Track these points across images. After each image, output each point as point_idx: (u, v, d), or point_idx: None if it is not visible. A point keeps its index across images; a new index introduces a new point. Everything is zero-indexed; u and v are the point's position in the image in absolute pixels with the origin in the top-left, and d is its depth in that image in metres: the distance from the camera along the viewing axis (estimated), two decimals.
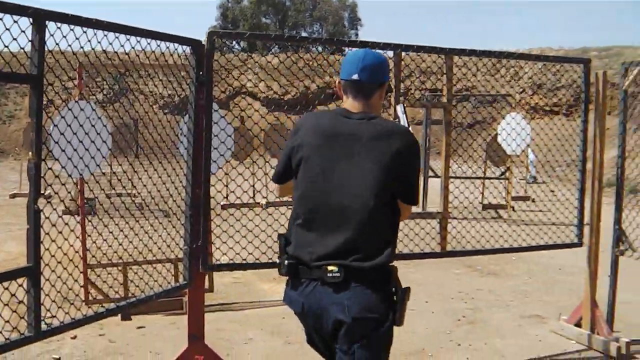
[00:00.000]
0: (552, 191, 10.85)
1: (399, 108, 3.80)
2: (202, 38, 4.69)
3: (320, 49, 32.46)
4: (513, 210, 14.70)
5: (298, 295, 3.32)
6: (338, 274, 3.15)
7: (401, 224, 3.50)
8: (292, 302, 3.39)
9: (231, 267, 5.25)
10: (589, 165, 6.43)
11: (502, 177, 15.63)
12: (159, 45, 4.49)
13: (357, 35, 54.20)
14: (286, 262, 3.33)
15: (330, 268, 3.16)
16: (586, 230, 6.48)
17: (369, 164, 3.22)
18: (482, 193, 15.28)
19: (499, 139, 13.02)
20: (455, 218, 9.27)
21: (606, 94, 6.52)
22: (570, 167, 15.05)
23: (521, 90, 26.33)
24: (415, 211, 5.15)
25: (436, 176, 12.91)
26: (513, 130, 11.00)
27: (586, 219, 6.49)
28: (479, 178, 15.10)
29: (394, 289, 3.30)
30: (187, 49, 4.68)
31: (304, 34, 47.11)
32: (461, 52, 5.63)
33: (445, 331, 6.93)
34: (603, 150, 6.46)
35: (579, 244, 6.46)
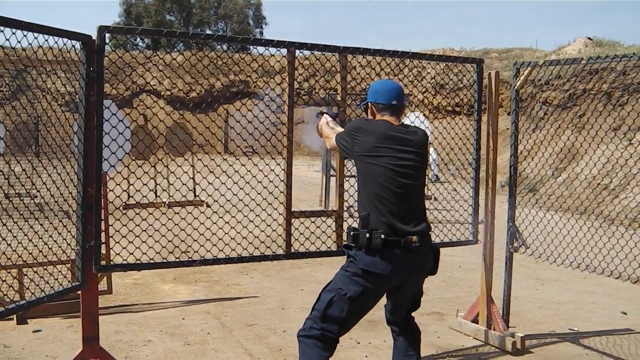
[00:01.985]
0: (455, 189, 11.01)
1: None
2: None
3: (225, 47, 32.31)
4: None
5: (387, 261, 4.31)
6: (418, 243, 4.32)
7: (297, 223, 4.81)
8: (378, 266, 4.31)
9: (125, 267, 5.12)
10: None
11: None
12: (56, 42, 4.36)
13: (262, 33, 54.17)
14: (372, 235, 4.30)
15: (414, 239, 4.31)
16: (482, 228, 6.60)
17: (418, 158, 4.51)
18: None
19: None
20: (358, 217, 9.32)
21: (499, 93, 6.64)
22: (472, 166, 15.35)
23: (424, 90, 26.69)
24: (310, 209, 5.15)
25: None
26: None
27: (482, 217, 6.60)
28: None
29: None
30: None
31: (208, 32, 46.84)
32: (354, 50, 5.64)
33: None
34: (496, 149, 6.57)
35: (474, 242, 6.56)
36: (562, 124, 17.12)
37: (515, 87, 6.74)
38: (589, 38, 28.53)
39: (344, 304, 4.38)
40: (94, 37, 4.57)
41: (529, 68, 6.63)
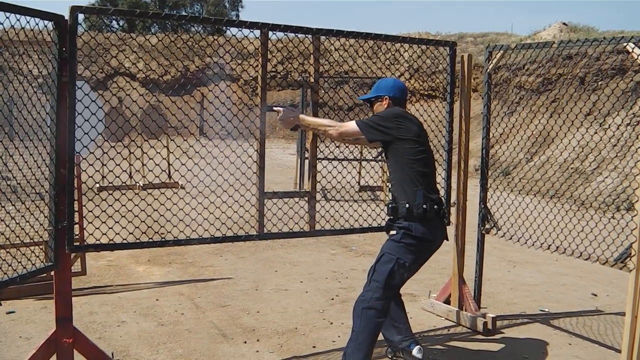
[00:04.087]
0: None
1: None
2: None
3: (201, 29, 32.13)
4: (389, 191, 14.93)
5: (437, 229, 5.11)
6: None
7: (270, 204, 5.26)
8: (431, 234, 5.06)
9: (98, 247, 5.13)
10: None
11: (379, 158, 15.80)
12: (28, 22, 4.34)
13: (237, 16, 53.91)
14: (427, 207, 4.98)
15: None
16: (455, 210, 6.66)
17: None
18: (360, 174, 15.47)
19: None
20: (332, 199, 9.37)
21: (474, 78, 6.68)
22: (445, 148, 15.41)
23: (400, 74, 26.68)
24: (283, 191, 5.17)
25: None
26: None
27: (454, 199, 6.66)
28: (355, 160, 15.25)
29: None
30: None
31: (184, 14, 46.56)
32: (328, 32, 5.64)
33: (319, 310, 6.98)
34: (468, 132, 6.62)
35: (447, 223, 6.60)
36: (536, 108, 17.22)
37: (488, 70, 6.78)
38: (564, 23, 28.60)
39: (404, 272, 5.00)
40: (67, 17, 4.55)
41: (501, 51, 6.66)
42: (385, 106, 5.34)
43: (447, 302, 6.88)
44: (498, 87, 21.99)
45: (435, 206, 5.03)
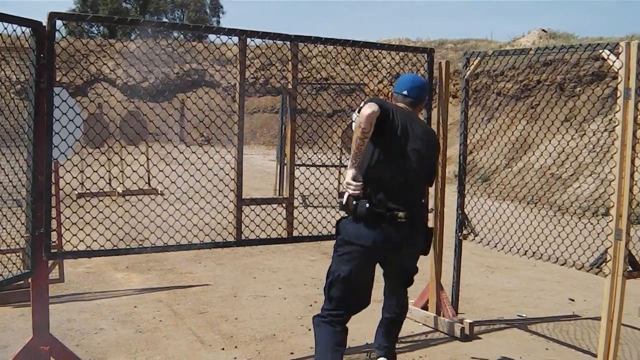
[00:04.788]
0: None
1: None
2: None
3: (181, 36, 32.06)
4: None
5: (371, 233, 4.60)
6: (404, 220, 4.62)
7: (249, 210, 4.95)
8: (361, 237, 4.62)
9: (75, 254, 5.15)
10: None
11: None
12: (5, 28, 4.34)
13: (218, 22, 53.89)
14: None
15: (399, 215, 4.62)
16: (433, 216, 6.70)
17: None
18: (339, 181, 15.47)
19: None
20: (311, 205, 9.37)
21: (455, 84, 6.71)
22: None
23: (379, 81, 26.73)
24: (262, 197, 5.18)
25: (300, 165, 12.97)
26: None
27: (432, 205, 6.69)
28: (334, 166, 15.24)
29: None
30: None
31: (164, 20, 46.51)
32: (306, 39, 5.67)
33: (297, 316, 6.98)
34: (446, 138, 6.66)
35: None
36: (514, 114, 17.31)
37: (465, 76, 6.82)
38: (544, 30, 28.81)
39: (340, 284, 4.70)
40: (45, 23, 4.56)
41: (479, 58, 6.71)
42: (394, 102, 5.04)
43: (425, 308, 6.90)
44: (477, 94, 22.09)
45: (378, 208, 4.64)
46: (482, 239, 6.62)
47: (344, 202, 4.63)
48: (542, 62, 19.94)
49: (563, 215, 9.72)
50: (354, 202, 4.56)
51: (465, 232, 6.74)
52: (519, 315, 7.30)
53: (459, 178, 6.84)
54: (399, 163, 4.72)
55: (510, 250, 6.34)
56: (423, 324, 6.80)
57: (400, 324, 5.41)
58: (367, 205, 4.56)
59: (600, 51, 5.60)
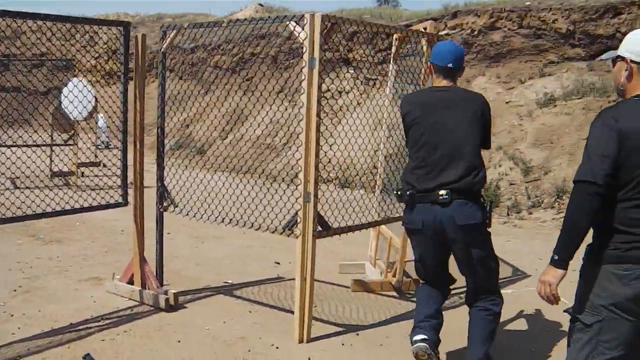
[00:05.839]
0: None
1: None
2: None
3: None
4: (83, 175, 14.65)
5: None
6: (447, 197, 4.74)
7: None
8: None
9: None
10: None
11: (69, 143, 15.32)
12: None
13: None
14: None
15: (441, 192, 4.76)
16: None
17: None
18: (51, 160, 14.93)
19: (63, 104, 12.71)
20: (22, 185, 8.98)
21: (145, 57, 6.70)
22: (144, 130, 15.27)
23: (97, 55, 26.03)
24: None
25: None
26: (76, 97, 10.82)
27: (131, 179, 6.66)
28: (46, 145, 14.69)
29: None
30: None
31: None
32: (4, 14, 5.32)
33: (0, 303, 6.68)
34: (143, 112, 6.62)
35: (124, 204, 6.61)
36: (232, 86, 17.56)
37: (162, 49, 6.82)
38: (260, 4, 29.38)
39: (418, 265, 5.22)
40: None
41: (174, 31, 6.73)
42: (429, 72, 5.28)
43: (131, 282, 6.86)
44: (194, 67, 22.17)
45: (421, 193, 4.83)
46: (182, 210, 6.68)
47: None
48: (255, 35, 20.39)
49: (271, 183, 10.03)
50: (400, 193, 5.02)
51: (165, 204, 6.78)
52: (225, 283, 7.49)
53: (157, 150, 6.84)
54: (426, 144, 4.88)
55: (208, 219, 6.46)
56: (129, 299, 6.76)
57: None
58: (409, 192, 4.87)
59: (288, 23, 5.86)
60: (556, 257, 3.51)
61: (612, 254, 3.45)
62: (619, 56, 3.64)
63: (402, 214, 5.54)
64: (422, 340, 4.83)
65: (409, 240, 5.67)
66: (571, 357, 3.63)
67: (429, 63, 5.26)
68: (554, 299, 3.57)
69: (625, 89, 3.62)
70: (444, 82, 5.02)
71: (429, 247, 4.99)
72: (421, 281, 5.29)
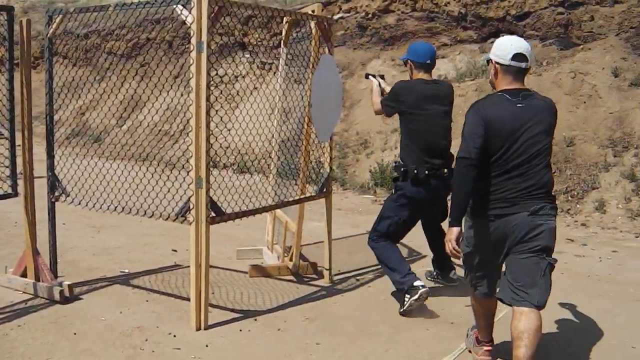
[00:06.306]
0: (19, 145, 10.61)
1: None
2: None
3: None
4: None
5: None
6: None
7: None
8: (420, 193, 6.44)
9: None
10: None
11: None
12: None
13: None
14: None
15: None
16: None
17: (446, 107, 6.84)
18: None
19: None
20: None
21: (31, 43, 6.53)
22: (39, 119, 14.88)
23: None
24: None
25: None
26: None
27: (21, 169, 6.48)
28: None
29: None
30: None
31: None
32: None
33: None
34: (30, 99, 6.45)
35: (14, 194, 6.44)
36: (128, 72, 17.26)
37: (49, 35, 6.65)
38: None
39: (397, 225, 6.42)
40: None
41: (61, 15, 6.57)
42: (409, 69, 6.58)
43: (25, 275, 6.69)
44: (88, 53, 21.68)
45: (430, 170, 6.22)
46: (73, 199, 6.55)
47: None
48: (150, 19, 20.09)
49: (171, 170, 9.89)
50: (415, 170, 6.25)
51: (57, 193, 6.63)
52: (121, 272, 7.39)
53: (46, 139, 6.67)
54: (430, 126, 6.38)
55: (101, 208, 6.34)
56: (23, 292, 6.58)
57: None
58: (416, 171, 6.21)
59: (174, 6, 5.78)
60: (450, 220, 4.62)
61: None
62: (490, 58, 4.69)
63: (295, 198, 6.71)
64: (423, 285, 5.99)
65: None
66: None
67: (408, 60, 6.56)
68: (456, 253, 4.61)
69: (494, 84, 4.74)
70: (426, 76, 6.48)
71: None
72: (383, 240, 6.41)
